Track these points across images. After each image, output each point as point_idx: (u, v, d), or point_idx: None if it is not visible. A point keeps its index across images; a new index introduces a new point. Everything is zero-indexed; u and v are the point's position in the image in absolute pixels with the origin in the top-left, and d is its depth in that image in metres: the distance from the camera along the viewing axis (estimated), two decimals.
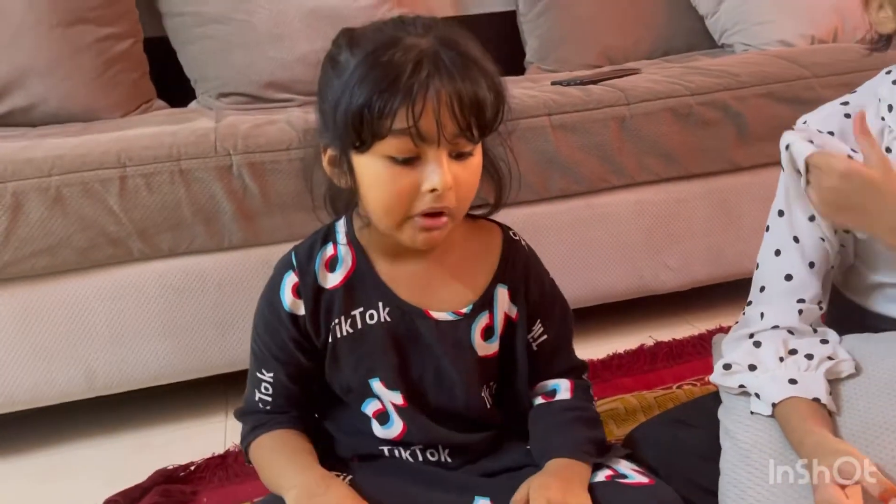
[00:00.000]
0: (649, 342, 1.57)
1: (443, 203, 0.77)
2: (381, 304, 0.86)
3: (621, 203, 1.55)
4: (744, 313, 0.97)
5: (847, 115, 0.91)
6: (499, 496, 0.82)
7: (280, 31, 1.76)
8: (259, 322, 0.90)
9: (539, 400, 0.94)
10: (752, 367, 0.89)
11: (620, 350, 1.53)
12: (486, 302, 0.88)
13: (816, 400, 0.83)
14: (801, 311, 0.91)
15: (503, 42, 2.08)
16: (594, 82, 1.60)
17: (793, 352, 0.88)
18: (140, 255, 1.33)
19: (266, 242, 1.37)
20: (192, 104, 1.83)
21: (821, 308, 0.94)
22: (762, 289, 0.95)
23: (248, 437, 0.90)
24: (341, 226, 0.89)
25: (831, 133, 0.91)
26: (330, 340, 0.87)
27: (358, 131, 0.74)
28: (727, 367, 0.91)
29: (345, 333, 0.86)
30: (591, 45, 2.02)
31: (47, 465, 1.33)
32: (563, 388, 0.93)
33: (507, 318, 0.90)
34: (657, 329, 1.63)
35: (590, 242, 1.54)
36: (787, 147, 0.90)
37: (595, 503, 0.81)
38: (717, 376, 0.93)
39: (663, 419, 1.06)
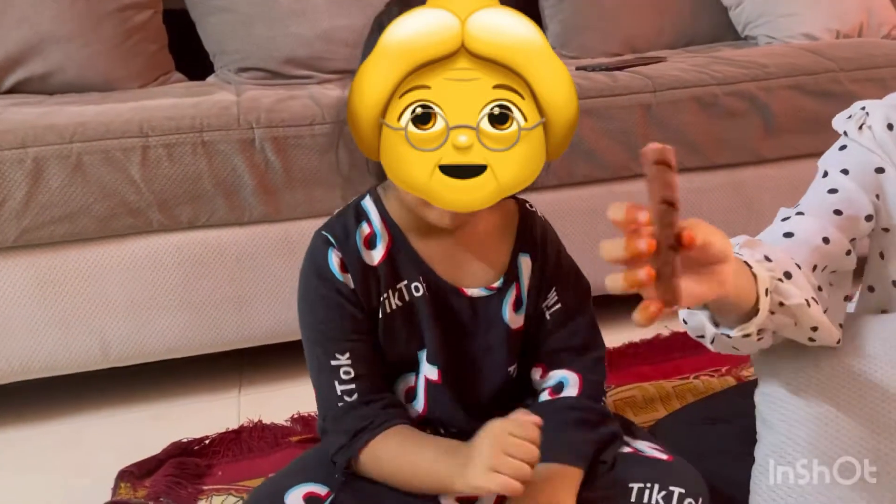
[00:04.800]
0: (665, 332, 1.56)
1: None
2: (420, 279, 0.85)
3: (643, 191, 1.52)
4: None
5: None
6: None
7: (302, 7, 1.74)
8: (314, 304, 0.85)
9: (545, 395, 0.90)
10: None
11: (636, 339, 1.53)
12: (512, 273, 0.88)
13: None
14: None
15: None
16: (620, 68, 1.58)
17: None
18: (159, 227, 1.31)
19: (286, 218, 1.36)
20: (211, 78, 1.81)
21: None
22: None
23: (351, 445, 0.81)
24: (370, 204, 0.87)
25: (890, 126, 0.87)
26: (380, 316, 0.85)
27: None
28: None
29: (394, 307, 0.85)
30: (613, 32, 2.00)
31: (61, 435, 1.33)
32: (570, 384, 0.89)
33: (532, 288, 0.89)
34: (673, 319, 1.62)
35: (611, 230, 1.52)
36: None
37: (616, 473, 0.83)
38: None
39: (687, 415, 1.06)
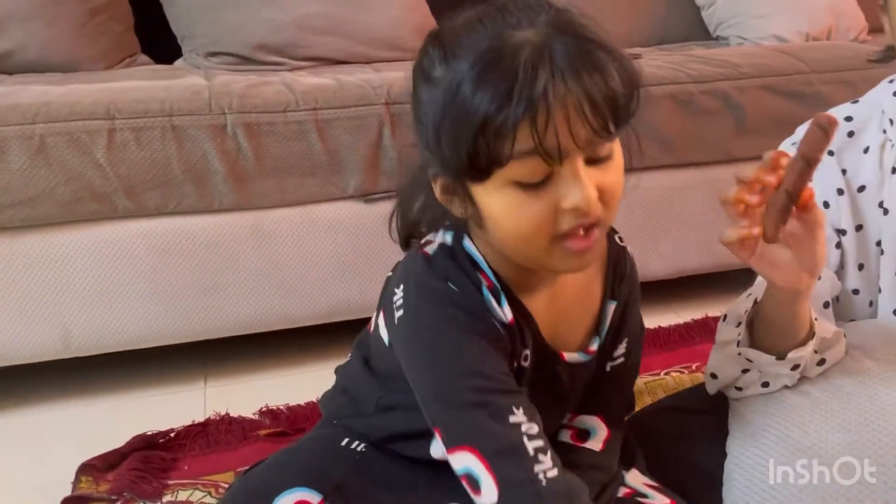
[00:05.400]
0: None
1: (590, 218, 0.64)
2: (530, 344, 0.75)
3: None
4: None
5: (850, 134, 0.91)
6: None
7: None
8: (468, 343, 0.69)
9: (566, 434, 0.85)
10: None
11: None
12: (602, 327, 0.80)
13: None
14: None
15: None
16: None
17: None
18: (125, 213, 1.27)
19: (257, 207, 1.33)
20: (178, 61, 1.77)
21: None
22: None
23: None
24: (475, 250, 0.73)
25: (830, 153, 0.90)
26: None
27: (472, 162, 0.61)
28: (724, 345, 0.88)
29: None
30: None
31: (19, 427, 1.28)
32: (596, 436, 0.85)
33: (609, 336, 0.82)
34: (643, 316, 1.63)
35: None
36: None
37: None
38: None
39: (662, 406, 1.06)
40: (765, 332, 0.80)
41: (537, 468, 0.65)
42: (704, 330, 1.53)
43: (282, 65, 1.71)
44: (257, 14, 1.70)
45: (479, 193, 0.65)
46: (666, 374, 1.39)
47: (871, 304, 0.93)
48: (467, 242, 0.73)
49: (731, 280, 1.69)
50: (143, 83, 1.35)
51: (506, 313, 0.72)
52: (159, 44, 1.78)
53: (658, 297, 1.70)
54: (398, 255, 1.53)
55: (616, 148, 0.66)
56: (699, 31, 2.10)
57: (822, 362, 0.84)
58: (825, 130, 0.61)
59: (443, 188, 0.69)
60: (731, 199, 0.65)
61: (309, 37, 1.72)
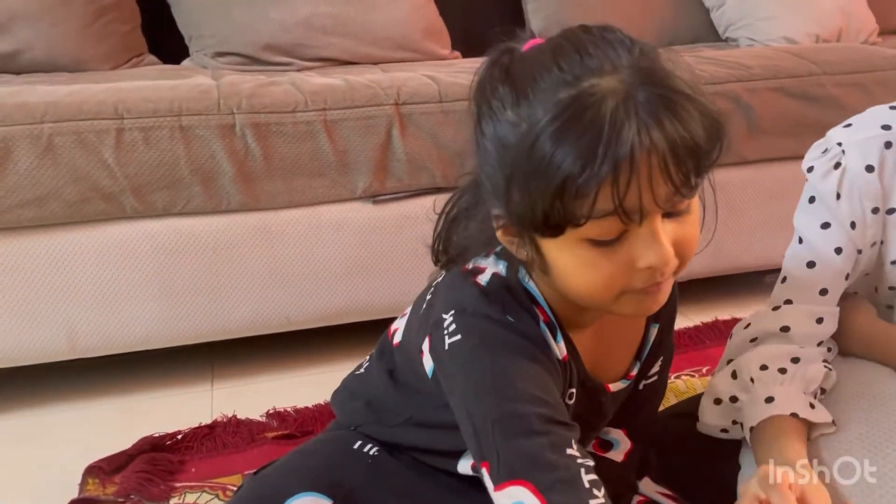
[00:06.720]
0: None
1: (665, 277, 0.62)
2: (576, 381, 0.73)
3: None
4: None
5: (888, 144, 0.83)
6: None
7: None
8: (528, 370, 0.66)
9: (589, 445, 0.85)
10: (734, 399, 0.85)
11: None
12: (643, 348, 0.80)
13: (794, 415, 0.77)
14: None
15: (507, 21, 2.04)
16: None
17: (763, 367, 0.82)
18: (133, 213, 1.27)
19: (265, 207, 1.32)
20: (186, 61, 1.77)
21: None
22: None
23: None
24: (533, 286, 0.70)
25: (870, 168, 0.82)
26: None
27: (546, 220, 0.58)
28: (717, 401, 0.86)
29: None
30: None
31: (25, 427, 1.27)
32: (619, 448, 0.85)
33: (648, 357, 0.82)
34: None
35: None
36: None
37: None
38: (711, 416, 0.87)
39: (675, 413, 1.05)
40: None
41: (592, 503, 0.62)
42: (714, 333, 1.52)
43: (289, 65, 1.71)
44: (265, 14, 1.70)
45: (548, 246, 0.63)
46: (676, 377, 1.38)
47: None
48: (524, 276, 0.71)
49: (739, 283, 1.70)
50: (150, 83, 1.34)
51: (560, 349, 0.70)
52: (167, 44, 1.78)
53: None
54: (406, 257, 1.50)
55: (694, 200, 0.63)
56: (709, 33, 2.09)
57: (822, 391, 0.83)
58: None
59: (506, 231, 0.66)
60: None
61: (317, 37, 1.72)
